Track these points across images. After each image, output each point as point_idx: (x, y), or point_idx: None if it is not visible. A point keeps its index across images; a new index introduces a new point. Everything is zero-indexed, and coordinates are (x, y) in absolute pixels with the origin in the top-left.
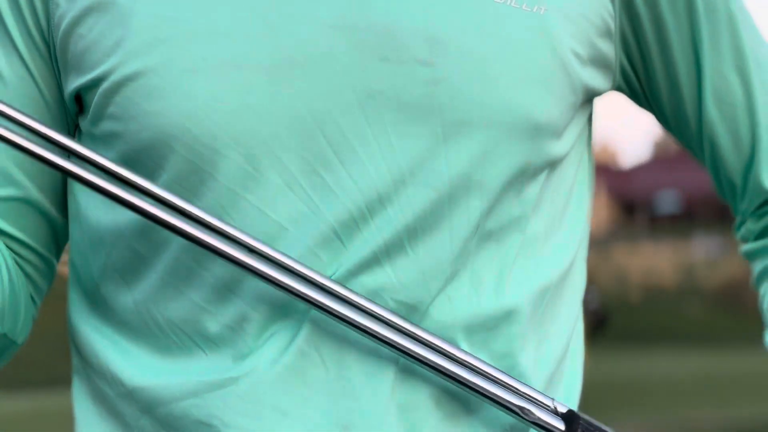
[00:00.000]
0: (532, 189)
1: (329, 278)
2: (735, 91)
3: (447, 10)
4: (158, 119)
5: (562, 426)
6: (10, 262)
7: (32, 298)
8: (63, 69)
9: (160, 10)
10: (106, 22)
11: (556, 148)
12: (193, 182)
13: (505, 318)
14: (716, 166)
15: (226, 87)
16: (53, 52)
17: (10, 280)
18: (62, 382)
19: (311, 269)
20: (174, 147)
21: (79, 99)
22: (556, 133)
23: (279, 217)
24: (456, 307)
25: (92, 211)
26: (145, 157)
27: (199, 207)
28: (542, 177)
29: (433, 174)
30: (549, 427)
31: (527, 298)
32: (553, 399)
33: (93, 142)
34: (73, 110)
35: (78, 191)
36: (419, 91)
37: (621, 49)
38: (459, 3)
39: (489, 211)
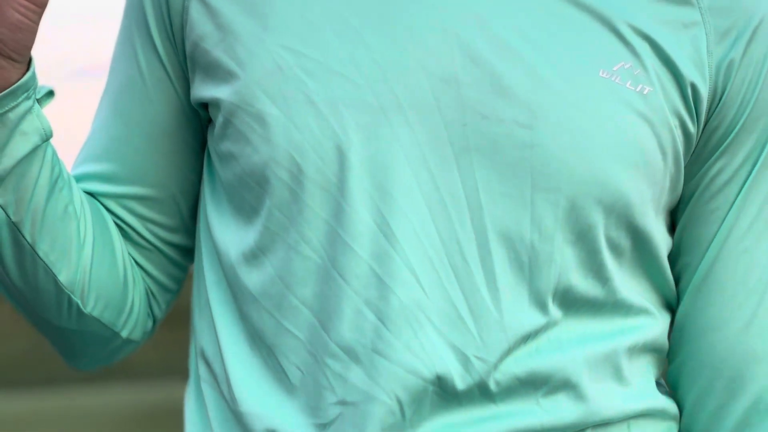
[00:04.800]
0: (615, 261)
1: None
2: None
3: (551, 78)
4: (269, 146)
5: None
6: (124, 250)
7: (152, 293)
8: (192, 73)
9: (286, 41)
10: (233, 44)
11: (646, 224)
12: (292, 211)
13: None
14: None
15: (334, 123)
16: (184, 56)
17: (121, 266)
18: (62, 382)
19: None
20: (279, 175)
21: (206, 109)
22: (647, 211)
23: (366, 255)
24: (518, 369)
25: (215, 228)
26: (253, 182)
27: (299, 236)
28: (627, 250)
29: (516, 235)
30: None
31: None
32: None
33: (216, 159)
34: (205, 117)
35: (209, 204)
36: (514, 153)
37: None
38: (564, 72)
39: (567, 278)
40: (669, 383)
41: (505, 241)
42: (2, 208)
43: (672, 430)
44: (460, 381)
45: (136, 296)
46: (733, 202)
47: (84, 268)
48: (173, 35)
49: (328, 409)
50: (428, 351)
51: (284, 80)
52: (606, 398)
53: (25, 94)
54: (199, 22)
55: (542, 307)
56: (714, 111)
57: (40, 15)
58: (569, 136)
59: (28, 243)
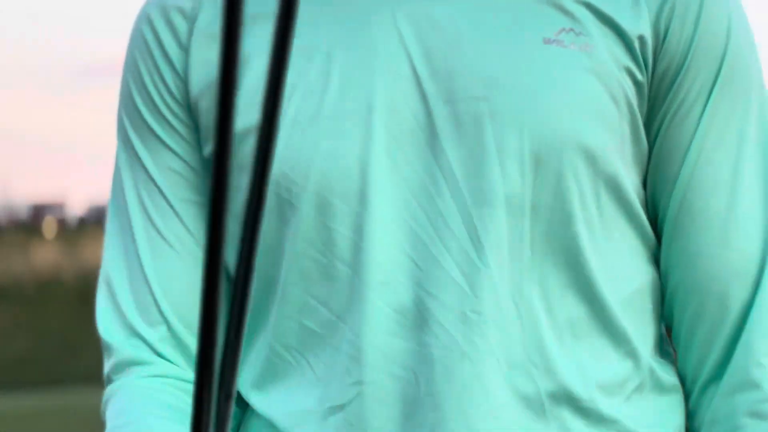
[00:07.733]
0: (593, 209)
1: None
2: (720, 171)
3: (500, 53)
4: None
5: None
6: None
7: None
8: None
9: (264, 70)
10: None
11: (615, 173)
12: (285, 218)
13: (569, 328)
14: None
15: (319, 134)
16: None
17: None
18: (62, 382)
19: None
20: (274, 190)
21: None
22: (612, 159)
23: (358, 239)
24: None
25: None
26: None
27: (299, 241)
28: (603, 198)
29: (492, 196)
30: None
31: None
32: None
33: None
34: None
35: None
36: (476, 125)
37: (650, 77)
38: (511, 46)
39: (545, 231)
40: (665, 318)
41: (483, 204)
42: None
43: (674, 403)
44: (466, 342)
45: None
46: (694, 134)
47: None
48: (182, 105)
49: (345, 390)
50: (431, 324)
51: None
52: (598, 361)
53: None
54: (196, 86)
55: (519, 258)
56: (659, 53)
57: None
58: (523, 99)
59: None
